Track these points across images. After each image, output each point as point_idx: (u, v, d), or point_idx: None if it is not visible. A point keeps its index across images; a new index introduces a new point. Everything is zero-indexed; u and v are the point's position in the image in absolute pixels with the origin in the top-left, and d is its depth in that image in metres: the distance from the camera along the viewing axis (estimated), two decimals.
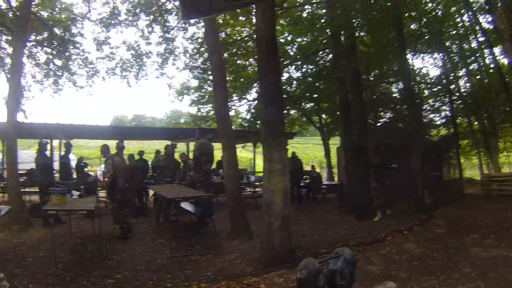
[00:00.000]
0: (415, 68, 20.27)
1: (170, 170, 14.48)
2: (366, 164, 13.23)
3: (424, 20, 17.71)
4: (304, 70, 22.03)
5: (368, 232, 10.68)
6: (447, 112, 21.82)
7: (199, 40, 18.22)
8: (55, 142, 16.19)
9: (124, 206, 11.16)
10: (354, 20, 14.46)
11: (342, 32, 14.28)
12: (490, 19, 15.81)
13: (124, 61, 17.52)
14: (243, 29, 19.35)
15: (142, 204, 13.92)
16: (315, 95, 23.06)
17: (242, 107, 24.22)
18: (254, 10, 10.78)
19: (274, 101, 8.70)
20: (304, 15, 18.68)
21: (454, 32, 20.07)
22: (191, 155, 15.27)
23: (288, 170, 8.88)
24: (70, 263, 8.19)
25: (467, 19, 18.95)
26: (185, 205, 11.33)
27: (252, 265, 8.24)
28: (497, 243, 8.74)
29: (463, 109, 21.14)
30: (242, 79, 21.29)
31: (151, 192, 14.15)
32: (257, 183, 18.50)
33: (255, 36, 16.64)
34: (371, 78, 20.24)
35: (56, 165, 14.81)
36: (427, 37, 18.57)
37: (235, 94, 21.64)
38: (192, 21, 16.34)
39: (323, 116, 25.23)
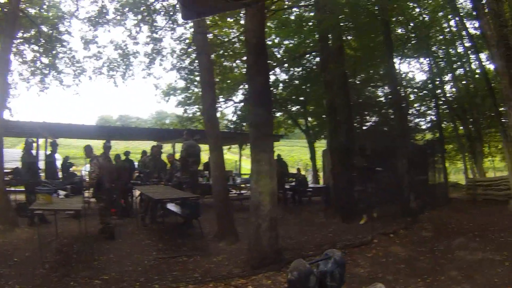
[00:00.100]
0: (401, 72, 20.40)
1: (156, 171, 14.41)
2: (353, 165, 13.29)
3: (411, 25, 17.85)
4: (291, 72, 22.05)
5: (354, 234, 10.71)
6: (433, 117, 22.05)
7: (187, 41, 18.17)
8: (41, 141, 16.02)
9: (110, 206, 11.11)
10: (341, 24, 14.50)
11: (330, 35, 14.32)
12: (477, 24, 15.98)
13: (111, 60, 17.41)
14: (230, 30, 19.35)
15: (128, 205, 13.83)
16: (302, 98, 23.02)
17: (228, 109, 24.16)
18: (243, 12, 10.78)
19: (262, 103, 8.72)
20: (292, 17, 18.71)
21: (441, 37, 20.24)
22: (177, 156, 15.21)
23: (275, 172, 8.90)
24: (57, 263, 8.10)
25: (454, 25, 19.12)
26: (172, 206, 11.29)
27: (239, 267, 8.22)
28: (482, 246, 8.84)
29: (448, 113, 21.33)
30: (229, 81, 21.24)
31: (136, 193, 14.08)
32: (243, 185, 18.50)
33: (242, 37, 16.74)
34: (358, 82, 20.34)
35: (41, 164, 14.67)
36: (414, 42, 18.71)
37: (222, 96, 21.58)
38: (180, 21, 16.31)
39: (309, 119, 25.23)
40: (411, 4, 16.87)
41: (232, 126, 22.85)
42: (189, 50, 18.14)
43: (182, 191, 11.73)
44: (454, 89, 21.90)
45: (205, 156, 14.49)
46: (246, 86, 20.22)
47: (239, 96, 22.69)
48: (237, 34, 18.63)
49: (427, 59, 20.70)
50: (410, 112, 20.92)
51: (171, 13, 15.98)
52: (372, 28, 15.30)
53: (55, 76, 17.69)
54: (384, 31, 14.58)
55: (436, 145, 18.33)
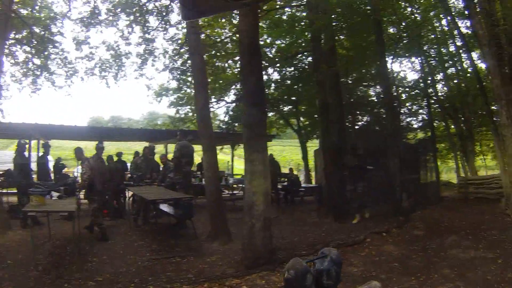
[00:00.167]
0: (393, 71, 20.45)
1: (148, 172, 14.37)
2: (345, 165, 13.33)
3: (403, 24, 17.91)
4: (283, 72, 22.05)
5: (347, 234, 10.76)
6: (424, 116, 22.15)
7: (179, 41, 18.13)
8: (33, 143, 15.92)
9: (102, 208, 11.08)
10: (334, 24, 14.53)
11: (322, 35, 14.34)
12: (468, 24, 16.04)
13: (104, 61, 17.33)
14: (222, 30, 19.33)
15: (120, 206, 13.79)
16: (293, 98, 23.05)
17: (220, 109, 24.13)
18: (236, 12, 10.78)
19: (256, 103, 8.73)
20: (284, 17, 18.71)
21: (432, 36, 20.31)
22: (169, 157, 15.17)
23: (269, 172, 8.92)
24: (50, 265, 8.04)
25: (446, 24, 19.20)
26: (165, 207, 11.28)
27: (233, 267, 8.23)
28: (475, 244, 8.92)
29: (440, 113, 21.40)
30: (221, 81, 21.22)
31: (128, 194, 14.05)
32: (235, 186, 18.50)
33: (234, 37, 16.74)
34: (350, 82, 20.40)
35: (33, 166, 14.60)
36: (406, 41, 18.77)
37: (213, 96, 21.55)
38: (173, 22, 16.29)
39: (301, 118, 25.26)
40: (403, 3, 16.95)
41: (224, 127, 22.83)
42: (182, 50, 18.10)
43: (176, 192, 11.71)
44: (445, 88, 21.96)
45: (197, 157, 14.49)
46: (238, 86, 20.29)
47: (231, 96, 22.71)
48: (230, 34, 18.62)
49: (419, 58, 20.79)
50: (401, 111, 21.01)
51: (164, 14, 15.97)
52: (364, 28, 15.35)
53: (47, 77, 17.57)
54: (376, 31, 14.61)
55: (427, 144, 18.41)
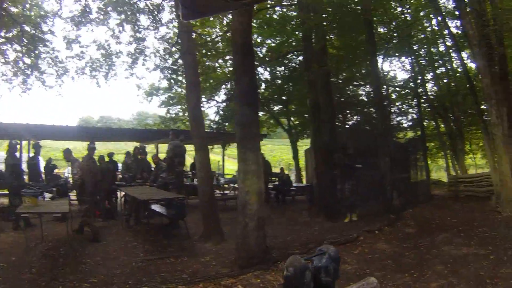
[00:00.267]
0: (383, 71, 20.53)
1: (138, 171, 14.33)
2: (336, 164, 13.37)
3: (394, 24, 18.00)
4: (273, 72, 22.07)
5: (339, 232, 10.80)
6: (415, 115, 22.29)
7: (170, 40, 18.09)
8: (23, 143, 15.80)
9: (94, 208, 11.04)
10: (325, 23, 14.55)
11: (313, 35, 14.36)
12: (459, 24, 16.15)
13: (94, 60, 17.23)
14: (213, 30, 19.31)
15: (112, 207, 13.73)
16: (284, 97, 23.08)
17: (210, 109, 24.10)
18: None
19: (249, 102, 8.74)
20: (275, 17, 18.73)
21: (422, 36, 20.42)
22: (160, 156, 15.14)
23: (262, 171, 8.95)
24: (44, 267, 7.97)
25: (436, 24, 19.31)
26: (158, 207, 11.26)
27: (227, 267, 8.23)
28: (467, 241, 9.03)
29: (430, 112, 21.53)
30: (211, 80, 21.18)
31: (119, 195, 14.02)
32: (226, 185, 18.52)
33: (225, 36, 16.72)
34: (340, 81, 20.46)
35: (24, 167, 14.49)
36: (396, 41, 18.85)
37: (204, 96, 21.51)
38: (164, 21, 16.24)
39: (292, 118, 25.29)
40: (393, 3, 17.03)
41: (214, 126, 22.80)
42: (173, 49, 18.06)
43: (168, 192, 11.68)
44: (435, 88, 22.13)
45: (188, 157, 14.48)
46: (229, 86, 20.28)
47: (221, 96, 22.67)
48: (220, 33, 18.60)
49: (409, 58, 20.89)
50: (392, 110, 21.12)
51: (155, 12, 15.91)
52: (355, 28, 15.39)
53: (38, 77, 17.44)
54: (368, 31, 14.67)
55: (418, 143, 18.57)
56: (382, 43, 18.40)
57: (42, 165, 16.06)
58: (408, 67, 21.88)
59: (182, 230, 10.82)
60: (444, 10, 17.60)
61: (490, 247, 8.50)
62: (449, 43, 19.08)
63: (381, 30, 19.03)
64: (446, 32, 18.15)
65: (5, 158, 12.30)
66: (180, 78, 19.25)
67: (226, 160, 24.45)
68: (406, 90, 22.42)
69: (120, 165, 16.00)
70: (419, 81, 21.20)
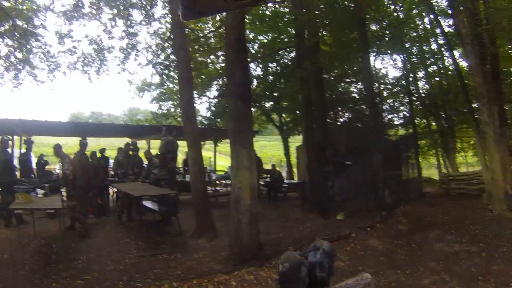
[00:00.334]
0: (375, 68, 20.55)
1: (130, 168, 14.26)
2: (328, 161, 13.40)
3: (386, 22, 18.04)
4: (265, 68, 22.02)
5: (332, 229, 10.87)
6: (406, 113, 22.34)
7: (163, 36, 18.05)
8: (15, 139, 15.67)
9: (86, 205, 10.99)
10: (317, 20, 14.54)
11: (306, 31, 14.35)
12: (451, 22, 16.21)
13: (86, 55, 17.15)
14: (205, 25, 19.27)
15: (104, 203, 13.66)
16: (276, 94, 23.06)
17: (202, 105, 24.03)
18: None
19: (242, 98, 8.76)
20: (267, 13, 18.69)
21: (414, 34, 20.48)
22: (152, 152, 15.09)
23: (255, 166, 8.95)
24: (37, 264, 7.92)
25: (428, 22, 19.36)
26: (151, 204, 11.22)
27: (221, 263, 8.25)
28: (458, 238, 9.10)
29: (421, 110, 21.60)
30: (203, 76, 21.11)
31: (111, 191, 13.97)
32: (218, 182, 18.49)
33: (217, 32, 16.68)
34: (332, 78, 20.47)
35: (16, 163, 14.37)
36: (388, 39, 18.90)
37: (196, 92, 21.46)
38: (156, 16, 16.19)
39: (283, 115, 25.29)
40: (386, 1, 17.06)
41: (206, 123, 22.72)
42: (166, 45, 18.01)
43: (161, 188, 11.64)
44: (427, 86, 22.23)
45: (179, 153, 14.42)
46: (221, 82, 20.21)
47: (213, 92, 22.59)
48: (213, 29, 18.58)
49: (401, 55, 20.93)
50: (383, 108, 21.16)
51: (148, 7, 15.86)
52: (347, 25, 15.38)
53: (29, 72, 17.30)
54: (360, 28, 14.70)
55: (409, 140, 18.59)
56: (375, 40, 18.45)
57: (34, 161, 15.96)
58: (400, 64, 21.91)
59: (175, 227, 10.80)
60: (437, 8, 17.67)
61: (482, 244, 8.58)
62: (441, 42, 19.14)
63: (374, 27, 19.06)
64: (438, 30, 18.23)
65: None
66: (172, 73, 19.22)
67: (217, 157, 24.41)
68: (398, 88, 22.45)
69: (111, 161, 15.90)
70: (411, 79, 21.23)
